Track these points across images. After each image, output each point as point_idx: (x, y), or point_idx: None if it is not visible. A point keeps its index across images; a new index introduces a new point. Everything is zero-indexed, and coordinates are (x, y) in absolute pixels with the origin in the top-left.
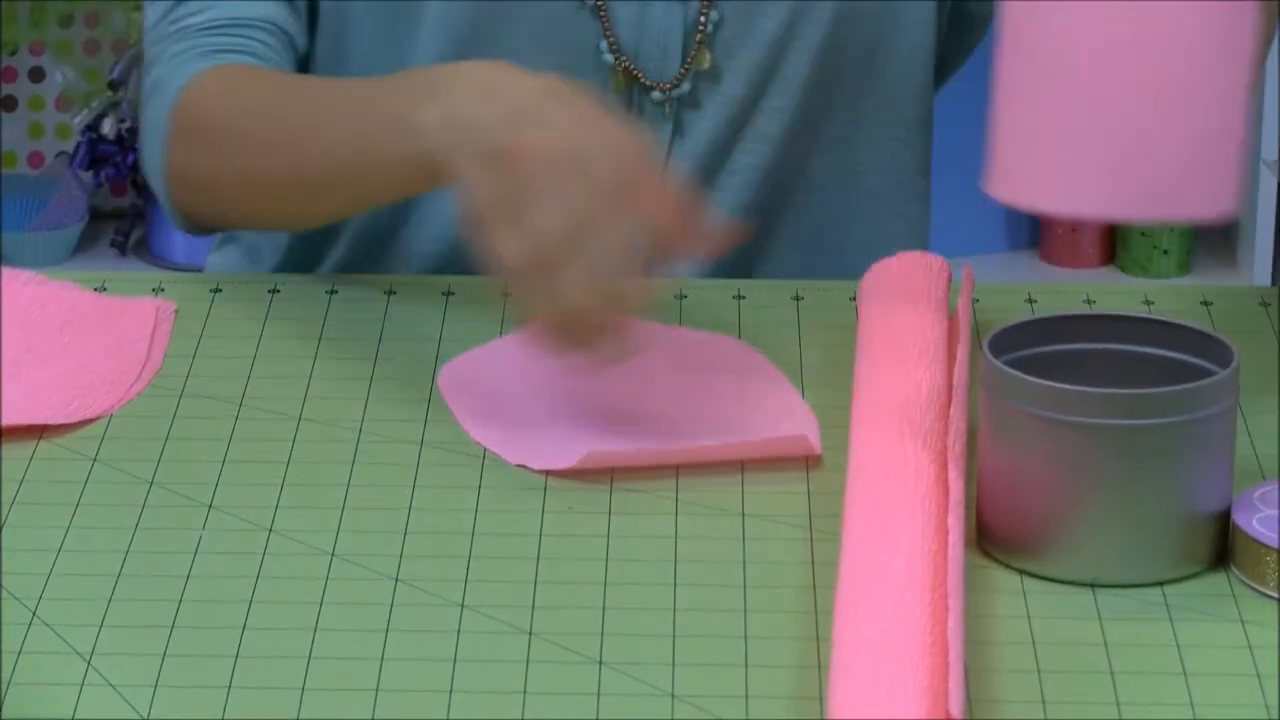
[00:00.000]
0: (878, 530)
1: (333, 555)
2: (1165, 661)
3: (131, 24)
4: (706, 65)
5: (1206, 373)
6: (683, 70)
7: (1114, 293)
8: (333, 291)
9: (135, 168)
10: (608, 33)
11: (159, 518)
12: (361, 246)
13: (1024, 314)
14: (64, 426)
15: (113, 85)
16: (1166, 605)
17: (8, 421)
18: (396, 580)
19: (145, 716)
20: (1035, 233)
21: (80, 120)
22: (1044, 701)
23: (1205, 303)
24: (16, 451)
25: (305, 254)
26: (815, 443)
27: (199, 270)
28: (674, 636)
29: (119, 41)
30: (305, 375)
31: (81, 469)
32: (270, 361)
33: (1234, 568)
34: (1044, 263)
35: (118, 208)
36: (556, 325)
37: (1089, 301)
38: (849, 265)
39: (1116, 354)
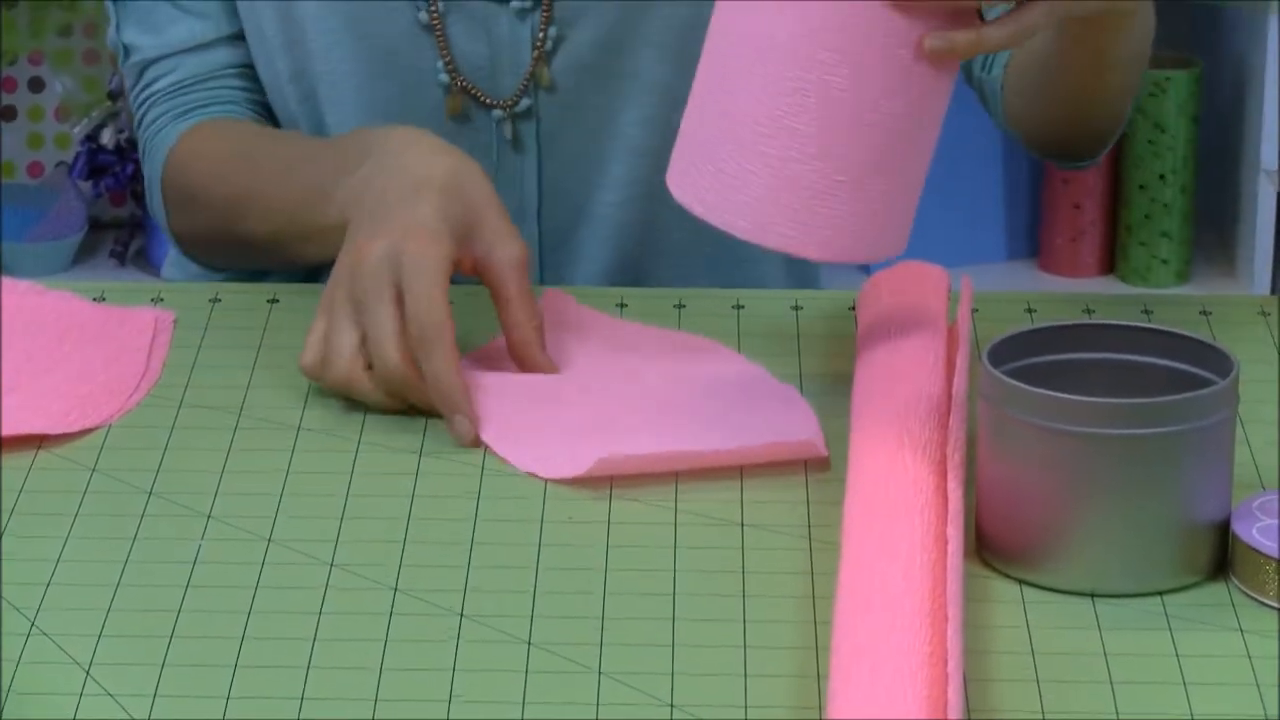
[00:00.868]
0: (877, 540)
1: (331, 565)
2: (1165, 671)
3: None
4: (546, 81)
5: (1206, 382)
6: (522, 87)
7: (1113, 302)
8: None
9: (135, 178)
10: (444, 53)
11: (158, 527)
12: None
13: (1023, 324)
14: (63, 436)
15: (112, 95)
16: (1166, 615)
17: (7, 432)
18: (395, 590)
19: None
20: (1034, 242)
21: (79, 130)
22: (1043, 711)
23: (1204, 312)
24: (16, 461)
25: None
26: (820, 445)
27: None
28: (673, 646)
29: None
30: (304, 385)
31: (81, 479)
32: (269, 371)
33: (1233, 577)
34: (1043, 272)
35: (117, 218)
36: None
37: (1088, 311)
38: (730, 277)
39: (1116, 363)
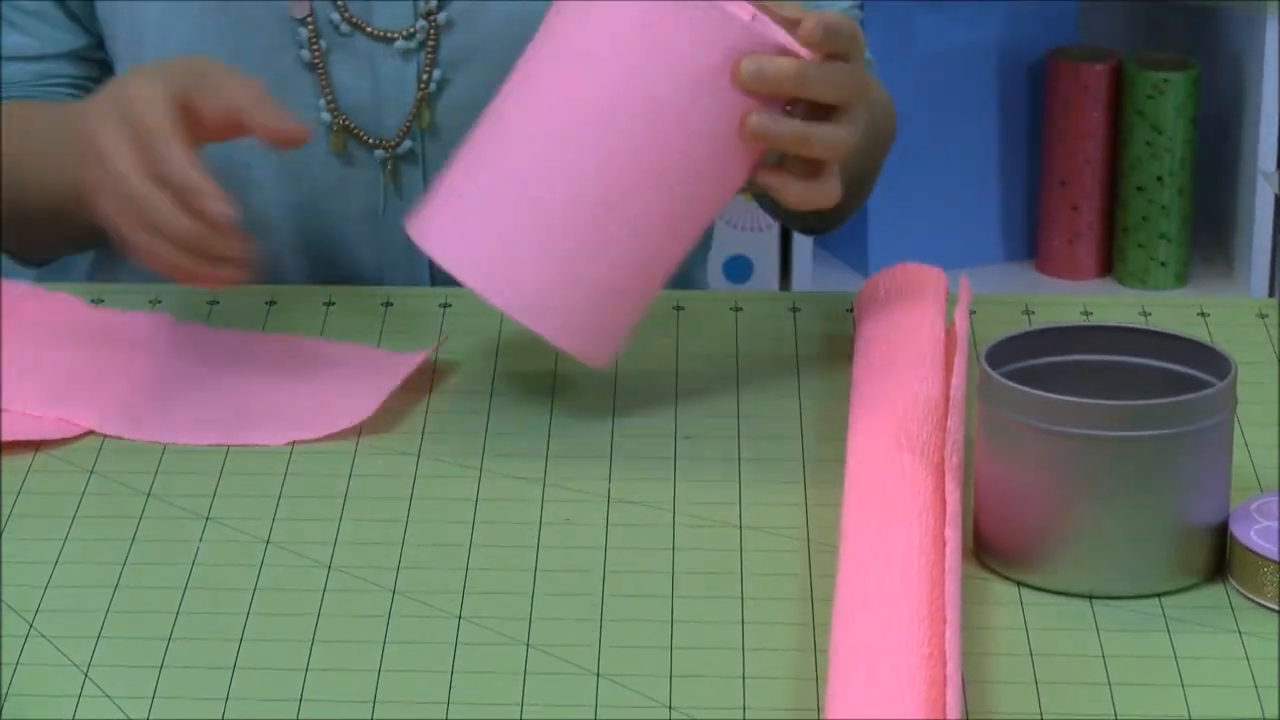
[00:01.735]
0: (875, 542)
1: (330, 567)
2: (1163, 673)
3: None
4: (427, 123)
5: (1204, 384)
6: (404, 128)
7: (1111, 304)
8: (330, 303)
9: None
10: (325, 91)
11: (156, 530)
12: None
13: (1021, 325)
14: (61, 439)
15: None
16: (1164, 617)
17: (8, 434)
18: (394, 592)
19: None
20: (1032, 244)
21: None
22: (1041, 713)
23: (1203, 314)
24: (14, 463)
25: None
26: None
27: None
28: (671, 648)
29: None
30: None
31: (79, 481)
32: None
33: (1232, 579)
34: (1041, 274)
35: None
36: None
37: (1086, 313)
38: None
39: (1114, 366)
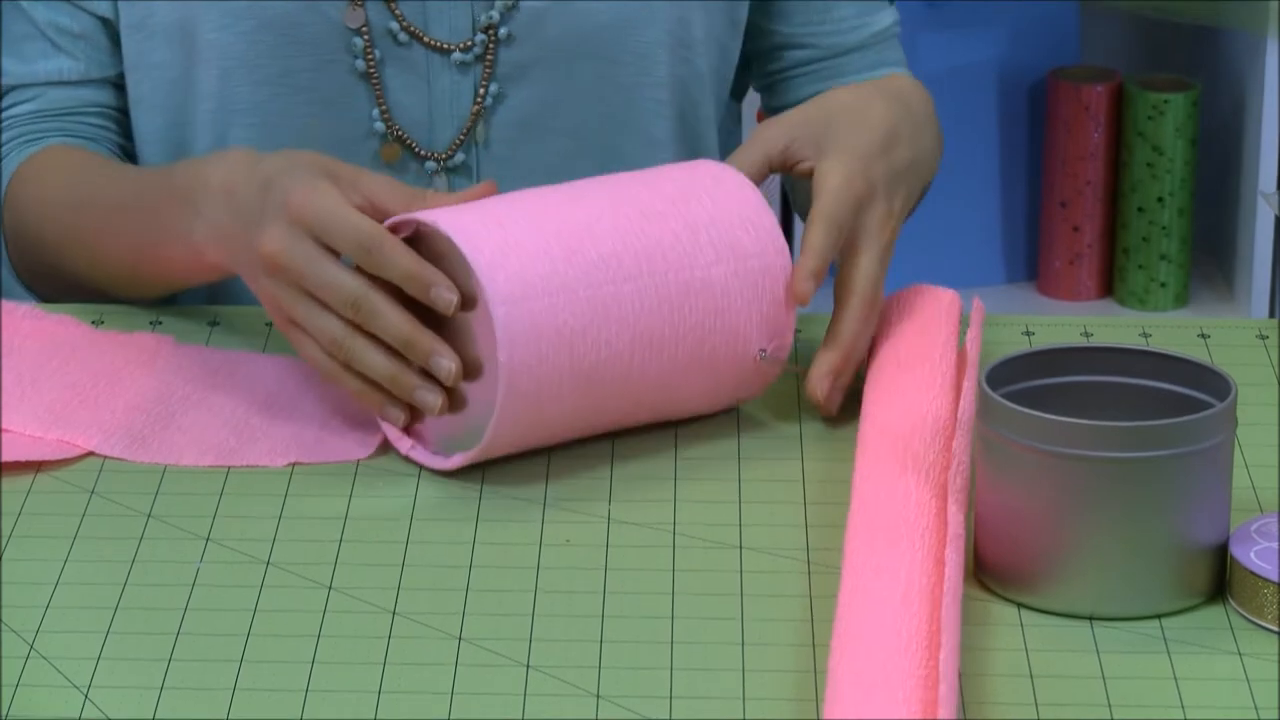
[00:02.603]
0: (876, 563)
1: (330, 588)
2: (1163, 695)
3: None
4: (482, 137)
5: (1204, 405)
6: (457, 141)
7: (1112, 325)
8: None
9: None
10: (380, 102)
11: (156, 551)
12: None
13: (1022, 346)
14: (61, 460)
15: None
16: (1164, 638)
17: (8, 454)
18: (394, 613)
19: None
20: (1033, 265)
21: None
22: None
23: (1203, 335)
24: (15, 484)
25: None
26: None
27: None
28: (671, 669)
29: None
30: None
31: (79, 502)
32: None
33: (1232, 600)
34: (1041, 295)
35: None
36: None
37: (1087, 334)
38: None
39: (1114, 386)
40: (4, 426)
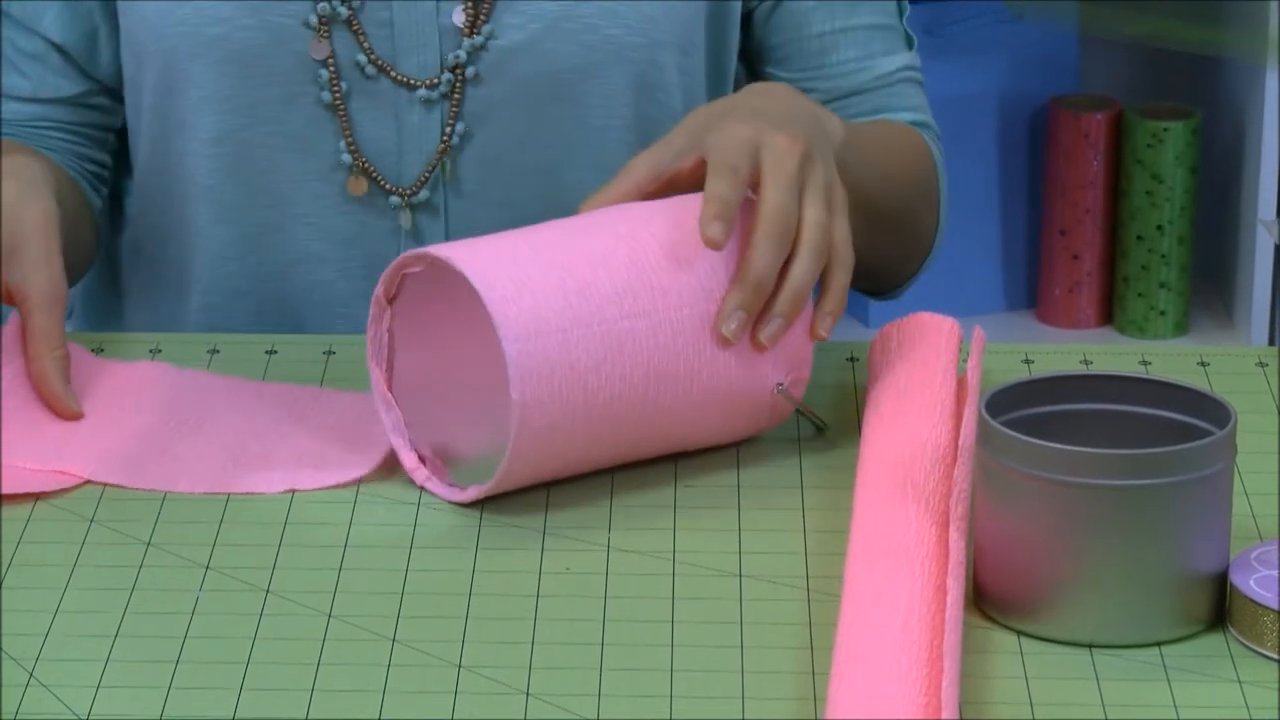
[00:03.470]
0: (876, 591)
1: (330, 616)
2: None
3: None
4: (449, 175)
5: (1204, 433)
6: (423, 178)
7: (1111, 353)
8: (330, 352)
9: None
10: (347, 135)
11: (156, 579)
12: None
13: (1021, 374)
14: (61, 490)
15: None
16: (1164, 666)
17: (8, 483)
18: (394, 641)
19: None
20: (1032, 293)
21: None
22: None
23: (1203, 363)
24: (14, 512)
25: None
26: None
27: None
28: (671, 697)
29: None
30: None
31: (79, 530)
32: None
33: (1232, 628)
34: (1041, 323)
35: None
36: None
37: (1086, 362)
38: None
39: (1114, 414)
40: (5, 456)
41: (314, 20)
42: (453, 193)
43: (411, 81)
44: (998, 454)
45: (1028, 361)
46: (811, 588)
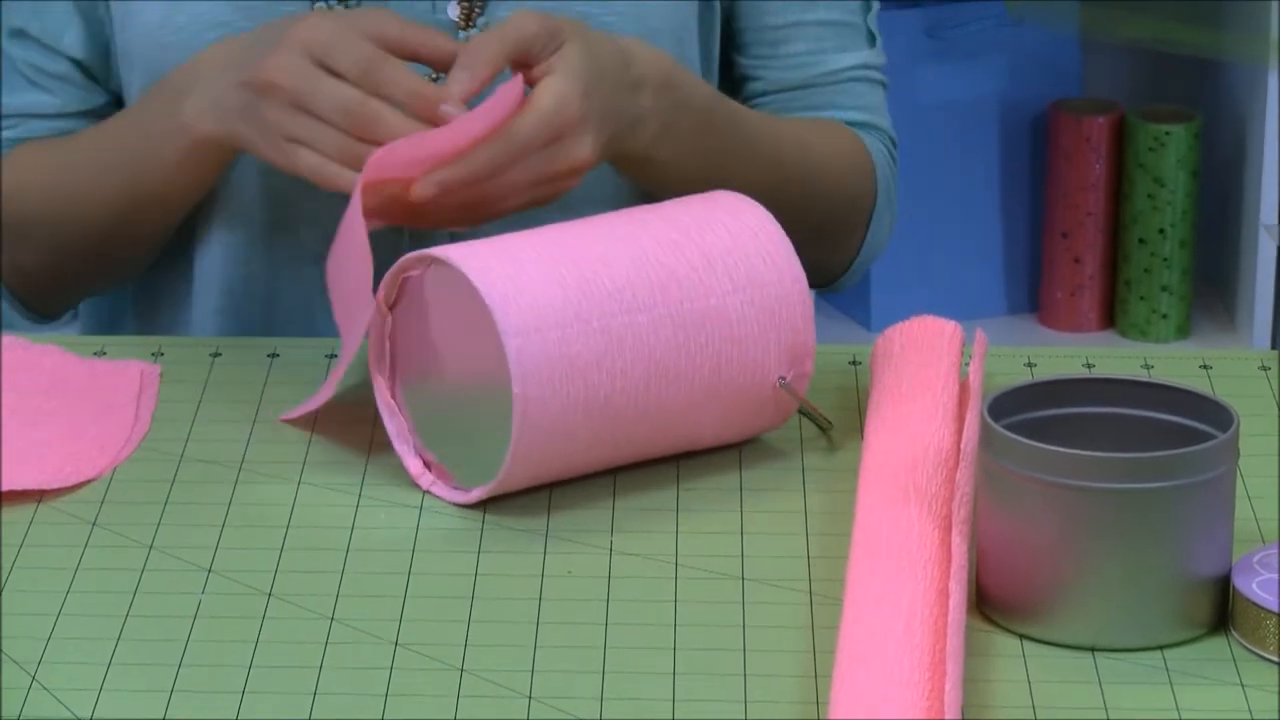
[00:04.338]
0: (879, 594)
1: (332, 619)
2: None
3: None
4: None
5: (1206, 436)
6: None
7: (1113, 357)
8: (331, 356)
9: None
10: None
11: (158, 582)
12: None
13: (1023, 378)
14: (61, 490)
15: None
16: (1167, 670)
17: (4, 487)
18: (396, 644)
19: None
20: (1034, 297)
21: None
22: None
23: (1205, 367)
24: (16, 515)
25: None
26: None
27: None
28: (673, 700)
29: None
30: (304, 439)
31: (81, 533)
32: (269, 425)
33: (1234, 632)
34: (1043, 327)
35: None
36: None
37: (1088, 365)
38: None
39: (1116, 418)
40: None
41: None
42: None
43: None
44: (1000, 457)
45: (1030, 365)
46: (814, 591)
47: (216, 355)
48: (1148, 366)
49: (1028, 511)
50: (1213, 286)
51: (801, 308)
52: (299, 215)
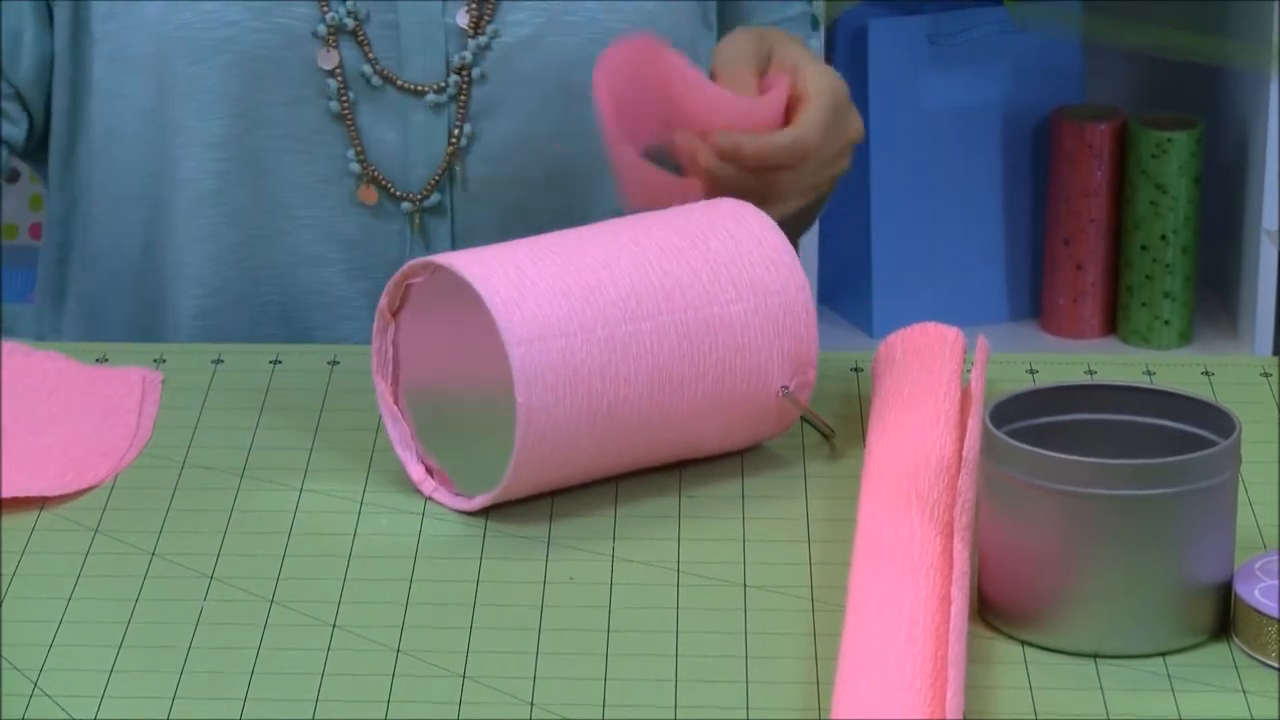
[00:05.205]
0: (881, 601)
1: (334, 626)
2: None
3: None
4: (459, 177)
5: (1208, 443)
6: (433, 181)
7: (1115, 363)
8: (334, 363)
9: None
10: (356, 143)
11: (160, 589)
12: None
13: (1025, 384)
14: (64, 497)
15: None
16: (1169, 676)
17: (5, 494)
18: (398, 651)
19: None
20: (1036, 303)
21: None
22: None
23: (1207, 373)
24: (18, 522)
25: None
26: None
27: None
28: (675, 707)
29: None
30: (306, 446)
31: (83, 540)
32: (271, 432)
33: (1236, 638)
34: (1045, 333)
35: None
36: None
37: (1090, 372)
38: None
39: (1118, 424)
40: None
41: (323, 30)
42: (461, 195)
43: (418, 88)
44: (1002, 464)
45: (1032, 371)
46: (816, 598)
47: (218, 361)
48: (1150, 373)
49: (1029, 518)
50: (1215, 293)
51: (805, 315)
52: (291, 218)
